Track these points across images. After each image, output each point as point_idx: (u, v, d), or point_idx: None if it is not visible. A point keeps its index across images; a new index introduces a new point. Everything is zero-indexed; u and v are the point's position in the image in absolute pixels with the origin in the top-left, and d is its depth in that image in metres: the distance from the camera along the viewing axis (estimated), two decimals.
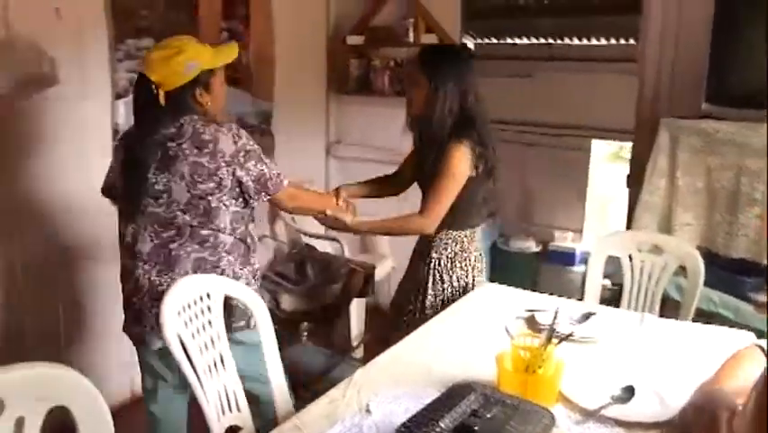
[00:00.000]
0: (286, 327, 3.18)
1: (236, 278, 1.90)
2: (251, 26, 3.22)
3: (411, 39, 3.47)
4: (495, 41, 4.71)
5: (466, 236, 2.22)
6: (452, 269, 2.20)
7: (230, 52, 1.98)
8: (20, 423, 1.17)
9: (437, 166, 2.05)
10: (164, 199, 1.80)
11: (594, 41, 4.33)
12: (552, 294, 2.23)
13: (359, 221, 2.21)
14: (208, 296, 1.75)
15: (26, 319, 2.42)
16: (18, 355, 2.28)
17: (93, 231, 2.58)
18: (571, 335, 1.55)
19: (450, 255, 2.19)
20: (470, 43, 4.76)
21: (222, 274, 1.87)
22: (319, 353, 3.36)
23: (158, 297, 1.73)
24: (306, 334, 3.45)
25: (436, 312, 2.09)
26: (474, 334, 1.83)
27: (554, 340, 1.42)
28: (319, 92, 3.88)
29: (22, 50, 2.17)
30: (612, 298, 3.88)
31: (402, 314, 2.25)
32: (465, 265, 2.24)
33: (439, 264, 2.20)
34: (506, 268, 4.54)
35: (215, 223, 1.83)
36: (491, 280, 4.46)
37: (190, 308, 1.68)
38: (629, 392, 1.41)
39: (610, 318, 1.94)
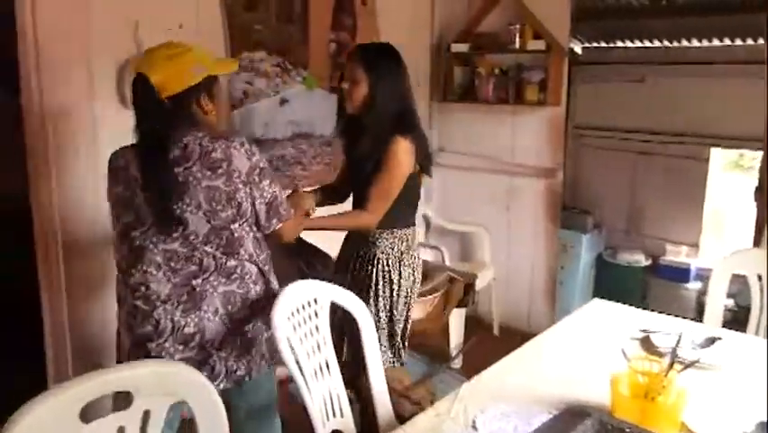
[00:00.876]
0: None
1: (259, 310, 1.74)
2: (356, 37, 3.28)
3: (517, 45, 3.40)
4: (605, 44, 4.52)
5: (410, 234, 2.19)
6: (400, 268, 2.14)
7: (231, 64, 1.93)
8: (146, 416, 1.25)
9: (379, 162, 2.01)
10: (179, 233, 1.57)
11: (716, 42, 4.04)
12: (663, 312, 2.09)
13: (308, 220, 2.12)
14: (315, 301, 1.80)
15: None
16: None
17: None
18: (696, 361, 1.44)
19: (397, 254, 2.14)
20: (579, 47, 4.60)
21: (252, 308, 1.71)
22: (417, 361, 3.36)
23: (184, 340, 1.60)
24: None
25: (390, 316, 2.13)
26: (583, 352, 1.75)
27: (677, 366, 1.32)
28: (422, 100, 3.88)
29: None
30: (735, 320, 3.60)
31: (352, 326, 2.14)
32: (412, 263, 2.19)
33: (387, 264, 2.13)
34: (612, 282, 4.33)
35: (241, 252, 1.64)
36: (595, 293, 4.33)
37: (299, 312, 1.73)
38: (764, 430, 1.29)
39: (737, 344, 1.79)
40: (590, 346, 1.78)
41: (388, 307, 2.16)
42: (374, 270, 2.13)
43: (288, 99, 2.93)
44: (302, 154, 3.05)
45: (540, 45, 3.34)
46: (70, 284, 2.29)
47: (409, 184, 2.07)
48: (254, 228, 1.66)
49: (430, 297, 3.02)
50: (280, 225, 1.70)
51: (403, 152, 2.00)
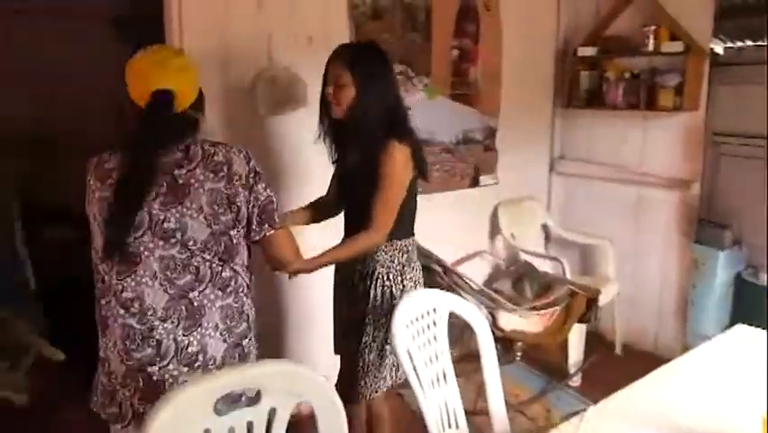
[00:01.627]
0: (500, 345, 3.14)
1: (250, 323, 1.64)
2: (479, 43, 3.25)
3: (651, 47, 3.19)
4: (751, 43, 4.13)
5: (410, 245, 2.02)
6: (402, 282, 1.98)
7: None
8: (271, 413, 1.30)
9: (376, 173, 1.83)
10: (178, 238, 1.48)
11: None
12: None
13: (302, 261, 1.79)
14: (434, 310, 1.79)
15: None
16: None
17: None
18: None
19: (398, 267, 1.97)
20: (720, 48, 4.25)
21: (247, 321, 1.61)
22: (533, 375, 3.25)
23: (189, 361, 1.50)
24: (520, 354, 3.37)
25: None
26: (725, 385, 1.60)
27: None
28: (545, 106, 3.77)
29: (281, 76, 2.45)
30: None
31: (357, 347, 1.95)
32: (414, 276, 2.02)
33: (387, 279, 1.96)
34: (753, 305, 3.94)
35: (236, 261, 1.55)
36: (733, 316, 3.97)
37: (418, 321, 1.73)
38: None
39: None
40: (734, 378, 1.63)
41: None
42: (373, 285, 1.96)
43: (409, 107, 2.94)
44: None
45: (677, 47, 3.11)
46: None
47: (409, 191, 1.91)
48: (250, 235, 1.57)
49: (549, 310, 2.92)
50: (272, 231, 1.57)
51: (401, 159, 1.84)
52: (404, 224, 1.95)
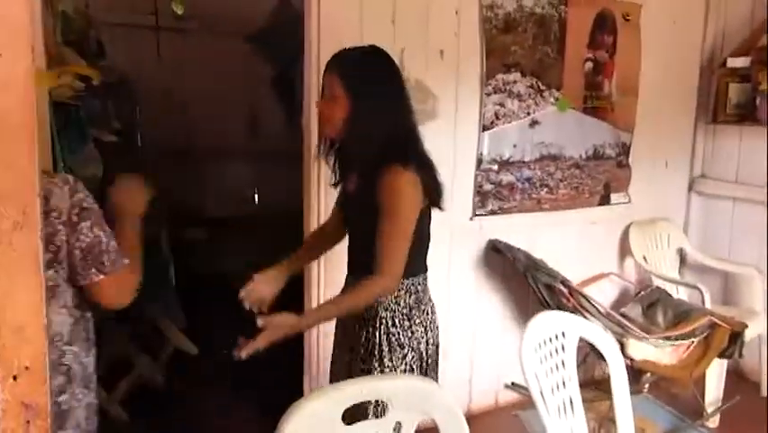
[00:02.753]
0: (628, 375, 2.95)
1: (73, 375, 1.38)
2: (616, 55, 3.09)
3: None
4: None
5: (420, 283, 1.71)
6: (409, 327, 1.67)
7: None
8: (397, 428, 1.31)
9: (378, 204, 1.56)
10: None
11: None
12: None
13: (298, 318, 1.59)
14: (563, 335, 1.72)
15: None
16: None
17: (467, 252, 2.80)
18: None
19: (404, 311, 1.67)
20: None
21: (66, 374, 1.36)
22: (662, 410, 3.02)
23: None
24: (648, 385, 3.15)
25: None
26: None
27: None
28: (686, 121, 3.51)
29: (414, 89, 2.47)
30: None
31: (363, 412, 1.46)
32: (425, 320, 1.71)
33: (393, 325, 1.66)
34: None
35: (54, 304, 1.34)
36: None
37: (546, 345, 1.67)
38: None
39: None
40: None
41: None
42: (377, 332, 1.67)
43: (538, 121, 2.87)
44: (549, 177, 2.96)
45: None
46: (328, 273, 2.51)
47: (419, 223, 1.61)
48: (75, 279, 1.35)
49: (686, 341, 2.70)
50: (101, 277, 1.33)
51: (407, 187, 1.56)
52: (413, 259, 1.63)
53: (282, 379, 2.67)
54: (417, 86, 2.49)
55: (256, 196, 4.93)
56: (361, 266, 1.66)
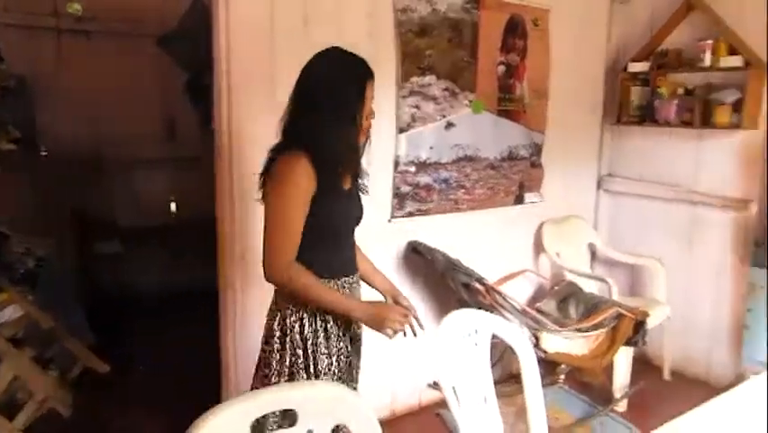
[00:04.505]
0: (543, 367, 3.06)
1: None
2: (527, 59, 3.20)
3: (707, 62, 3.08)
4: None
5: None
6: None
7: None
8: None
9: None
10: None
11: None
12: None
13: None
14: (476, 332, 1.75)
15: None
16: None
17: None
18: None
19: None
20: None
21: None
22: (576, 399, 3.16)
23: None
24: (563, 376, 3.28)
25: None
26: None
27: None
28: (593, 122, 3.69)
29: None
30: None
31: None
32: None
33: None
34: None
35: None
36: None
37: (460, 342, 1.70)
38: None
39: None
40: None
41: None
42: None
43: (454, 123, 2.93)
44: (465, 178, 3.02)
45: (736, 62, 2.99)
46: (246, 285, 2.46)
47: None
48: None
49: (595, 332, 2.82)
50: None
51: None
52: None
53: (199, 393, 2.59)
54: None
55: (174, 204, 4.76)
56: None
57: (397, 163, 2.79)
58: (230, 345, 2.50)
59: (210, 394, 2.59)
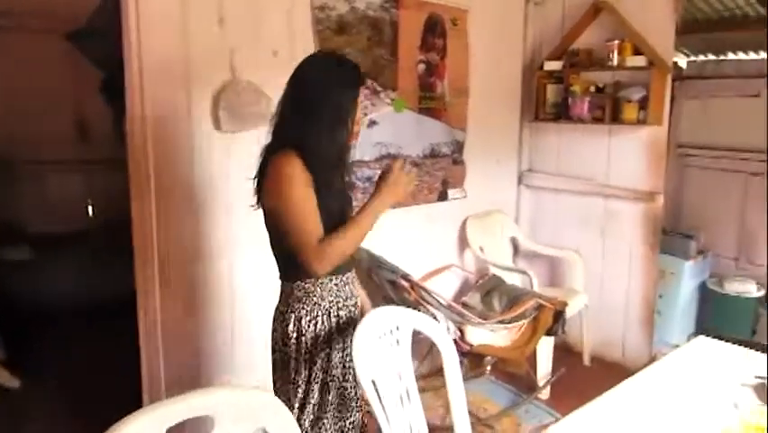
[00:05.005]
0: (469, 359, 3.13)
1: None
2: (447, 58, 3.26)
3: (615, 62, 3.23)
4: (714, 57, 4.24)
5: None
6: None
7: None
8: None
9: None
10: None
11: None
12: None
13: None
14: (397, 328, 1.77)
15: (234, 331, 2.66)
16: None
17: None
18: None
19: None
20: (683, 62, 4.35)
21: None
22: (502, 389, 3.25)
23: None
24: (489, 368, 3.37)
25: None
26: (687, 398, 1.60)
27: None
28: (512, 119, 3.80)
29: (245, 91, 2.42)
30: None
31: None
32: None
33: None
34: (717, 313, 4.02)
35: None
36: (698, 325, 4.02)
37: (381, 340, 1.70)
38: None
39: None
40: (695, 391, 1.63)
41: None
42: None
43: (376, 121, 2.94)
44: None
45: (640, 61, 3.16)
46: (164, 290, 2.39)
47: None
48: None
49: (517, 323, 2.91)
50: None
51: None
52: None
53: (119, 403, 2.49)
54: (249, 87, 2.43)
55: (90, 208, 4.55)
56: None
57: None
58: (150, 352, 2.42)
59: (130, 404, 2.50)
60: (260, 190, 1.69)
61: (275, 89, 2.54)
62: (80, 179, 4.49)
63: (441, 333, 1.82)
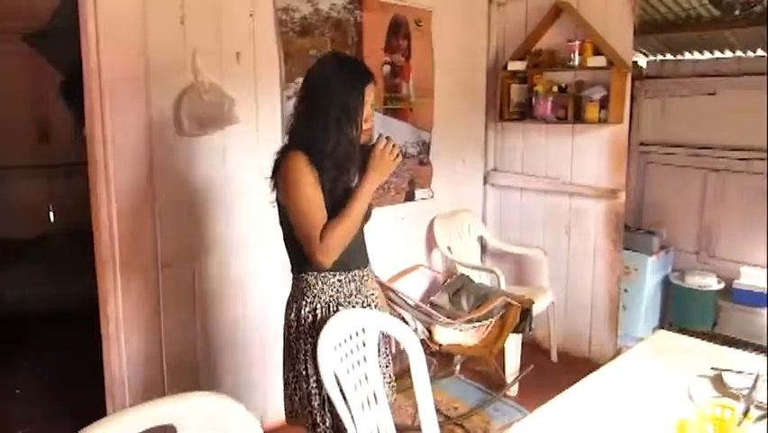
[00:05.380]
0: (438, 359, 3.15)
1: None
2: (411, 59, 3.27)
3: (576, 62, 3.29)
4: (672, 57, 4.34)
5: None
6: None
7: None
8: None
9: None
10: None
11: None
12: (736, 339, 1.94)
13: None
14: (363, 331, 1.77)
15: (198, 338, 2.62)
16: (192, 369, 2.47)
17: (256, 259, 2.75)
18: None
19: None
20: (643, 61, 4.44)
21: None
22: (472, 387, 3.27)
23: None
24: (458, 367, 3.39)
25: None
26: (647, 391, 1.64)
27: (752, 414, 1.21)
28: (477, 120, 3.83)
29: (208, 94, 2.39)
30: None
31: None
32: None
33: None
34: (680, 306, 4.13)
35: None
36: (662, 318, 4.12)
37: (346, 342, 1.70)
38: None
39: None
40: (653, 384, 1.67)
41: None
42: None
43: None
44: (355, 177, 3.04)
45: (600, 62, 3.22)
46: (127, 296, 2.35)
47: None
48: None
49: (485, 322, 2.94)
50: None
51: None
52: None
53: (82, 411, 2.44)
54: (212, 89, 2.41)
55: (51, 213, 4.44)
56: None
57: None
58: (113, 358, 2.37)
59: (94, 411, 2.45)
60: (275, 188, 1.77)
61: (239, 92, 2.56)
62: (41, 184, 4.38)
63: (408, 334, 1.83)
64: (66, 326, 3.37)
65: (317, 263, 1.68)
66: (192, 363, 2.58)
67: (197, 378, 2.59)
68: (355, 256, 1.83)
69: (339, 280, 1.80)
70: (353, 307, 1.82)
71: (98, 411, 2.42)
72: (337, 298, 1.80)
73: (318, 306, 1.78)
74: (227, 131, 2.53)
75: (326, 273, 1.78)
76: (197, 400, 1.33)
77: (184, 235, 2.49)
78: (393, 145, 1.75)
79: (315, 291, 1.78)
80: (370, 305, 1.87)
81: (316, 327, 1.75)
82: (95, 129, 2.24)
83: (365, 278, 1.88)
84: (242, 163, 2.62)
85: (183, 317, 2.53)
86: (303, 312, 1.78)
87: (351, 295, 1.82)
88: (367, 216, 1.88)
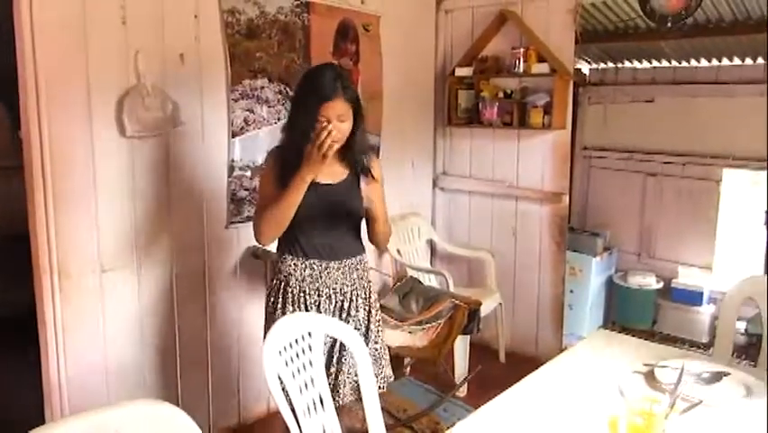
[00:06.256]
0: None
1: None
2: (360, 63, 3.29)
3: (521, 69, 3.37)
4: (612, 65, 4.50)
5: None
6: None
7: None
8: None
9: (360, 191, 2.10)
10: None
11: (725, 62, 4.02)
12: (674, 336, 2.03)
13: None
14: (309, 335, 1.76)
15: (143, 343, 2.57)
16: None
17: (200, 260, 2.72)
18: (700, 402, 1.38)
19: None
20: (586, 68, 4.59)
21: None
22: (422, 389, 3.30)
23: None
24: (409, 368, 3.42)
25: None
26: (584, 388, 1.69)
27: (679, 407, 1.27)
28: (426, 124, 3.88)
29: (150, 96, 2.35)
30: (750, 344, 3.50)
31: None
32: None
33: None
34: (623, 305, 4.27)
35: None
36: (606, 317, 4.26)
37: (291, 347, 1.69)
38: None
39: (746, 380, 1.71)
40: (591, 382, 1.73)
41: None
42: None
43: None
44: None
45: (544, 68, 3.31)
46: (66, 303, 2.28)
47: None
48: None
49: (433, 324, 2.98)
50: None
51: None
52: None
53: (21, 421, 2.35)
54: (154, 91, 2.36)
55: None
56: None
57: (232, 168, 2.73)
58: (52, 365, 2.29)
59: (33, 420, 2.36)
60: None
61: (184, 94, 2.52)
62: None
63: (353, 337, 1.83)
64: (4, 333, 3.24)
65: (257, 240, 1.98)
66: (133, 370, 2.51)
67: (143, 384, 2.53)
68: (317, 248, 2.01)
69: (294, 264, 2.01)
70: (309, 293, 2.00)
71: (37, 419, 2.33)
72: (300, 285, 2.01)
73: (279, 289, 2.03)
74: (172, 132, 2.48)
75: (285, 255, 2.03)
76: (139, 408, 1.31)
77: (126, 238, 2.43)
78: (327, 135, 1.79)
79: (281, 276, 2.04)
80: (331, 297, 2.03)
81: (277, 310, 2.01)
82: (31, 132, 2.16)
83: (328, 270, 2.02)
84: (186, 165, 2.58)
85: (126, 323, 2.47)
86: (271, 293, 2.07)
87: (303, 280, 2.01)
88: (350, 213, 2.04)
